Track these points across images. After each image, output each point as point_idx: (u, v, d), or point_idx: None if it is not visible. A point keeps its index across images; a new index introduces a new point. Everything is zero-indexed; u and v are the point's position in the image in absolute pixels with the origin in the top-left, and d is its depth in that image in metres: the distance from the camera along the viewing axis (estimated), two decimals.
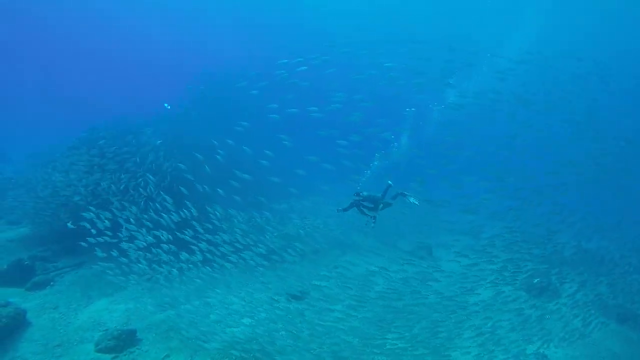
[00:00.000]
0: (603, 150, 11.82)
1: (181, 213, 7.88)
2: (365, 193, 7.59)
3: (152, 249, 7.59)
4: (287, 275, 9.43)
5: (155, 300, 7.69)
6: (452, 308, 8.04)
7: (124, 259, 7.50)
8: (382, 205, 7.58)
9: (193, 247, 7.46)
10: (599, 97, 13.06)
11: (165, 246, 7.47)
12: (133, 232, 7.66)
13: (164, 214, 7.80)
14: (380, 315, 7.74)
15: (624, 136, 12.75)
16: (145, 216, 7.95)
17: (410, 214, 16.48)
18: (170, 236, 7.65)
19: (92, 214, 7.68)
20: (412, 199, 7.74)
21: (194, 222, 7.77)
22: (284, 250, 8.69)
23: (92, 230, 7.60)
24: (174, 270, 7.56)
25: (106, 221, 7.59)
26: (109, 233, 7.55)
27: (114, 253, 7.50)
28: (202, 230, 7.66)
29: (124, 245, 7.61)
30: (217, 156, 8.15)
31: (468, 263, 8.70)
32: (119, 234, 7.74)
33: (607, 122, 13.60)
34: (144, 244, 7.53)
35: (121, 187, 9.22)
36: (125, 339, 5.89)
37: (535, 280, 9.63)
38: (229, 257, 7.48)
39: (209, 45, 42.16)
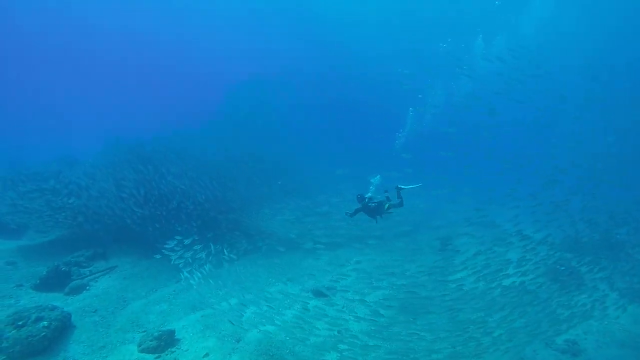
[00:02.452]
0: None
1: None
2: (368, 195, 7.74)
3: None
4: (311, 270, 9.62)
5: (186, 301, 7.93)
6: (477, 298, 8.10)
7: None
8: (388, 205, 7.71)
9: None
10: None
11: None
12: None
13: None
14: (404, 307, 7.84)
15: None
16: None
17: (426, 208, 16.50)
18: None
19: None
20: (409, 186, 7.92)
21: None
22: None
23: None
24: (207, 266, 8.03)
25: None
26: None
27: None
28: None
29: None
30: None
31: (490, 253, 8.73)
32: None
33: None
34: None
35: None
36: (166, 339, 6.10)
37: (561, 268, 9.60)
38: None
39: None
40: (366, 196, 7.80)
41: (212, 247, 9.30)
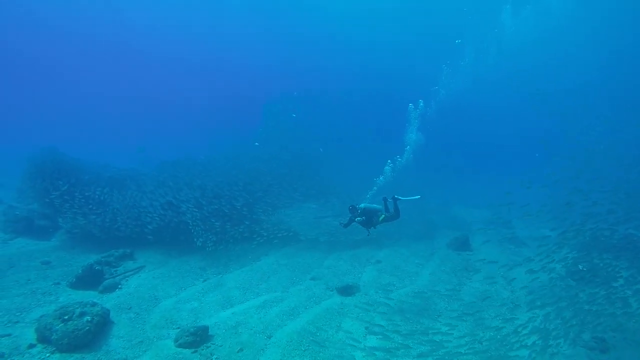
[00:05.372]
0: None
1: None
2: (361, 206, 7.71)
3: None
4: (334, 269, 9.77)
5: (216, 299, 8.14)
6: (500, 297, 8.16)
7: None
8: (383, 217, 7.67)
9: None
10: None
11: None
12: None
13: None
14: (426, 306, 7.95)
15: None
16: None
17: (439, 210, 16.54)
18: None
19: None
20: (406, 198, 7.80)
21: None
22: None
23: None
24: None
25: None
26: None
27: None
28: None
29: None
30: None
31: (508, 252, 8.77)
32: None
33: None
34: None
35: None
36: (201, 335, 6.31)
37: (580, 266, 9.59)
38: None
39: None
40: (359, 207, 7.71)
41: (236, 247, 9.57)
